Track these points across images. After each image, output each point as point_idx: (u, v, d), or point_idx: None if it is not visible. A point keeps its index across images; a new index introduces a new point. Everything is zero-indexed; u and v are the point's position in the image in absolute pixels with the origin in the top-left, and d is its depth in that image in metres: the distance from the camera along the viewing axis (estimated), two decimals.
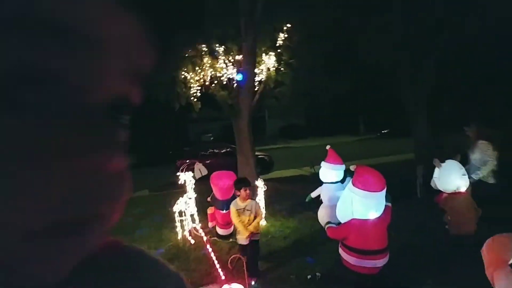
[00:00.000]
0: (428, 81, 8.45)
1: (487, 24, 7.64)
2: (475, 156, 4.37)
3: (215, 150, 12.39)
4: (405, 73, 8.64)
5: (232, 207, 3.51)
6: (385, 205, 3.10)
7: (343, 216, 3.19)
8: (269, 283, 3.43)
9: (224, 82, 8.74)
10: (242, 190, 3.47)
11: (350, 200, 3.08)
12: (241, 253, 3.51)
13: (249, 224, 3.47)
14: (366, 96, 21.51)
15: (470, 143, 4.54)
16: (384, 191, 3.02)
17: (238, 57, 8.35)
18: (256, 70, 8.54)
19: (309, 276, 3.47)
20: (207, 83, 8.62)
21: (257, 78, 8.77)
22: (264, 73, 8.70)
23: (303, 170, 10.93)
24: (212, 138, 23.28)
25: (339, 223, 3.34)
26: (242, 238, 3.49)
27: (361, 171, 3.11)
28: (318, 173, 4.66)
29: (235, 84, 8.62)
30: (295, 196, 6.77)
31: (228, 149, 12.05)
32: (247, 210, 3.48)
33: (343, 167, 4.44)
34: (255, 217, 3.54)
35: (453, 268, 3.30)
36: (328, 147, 4.61)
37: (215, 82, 8.67)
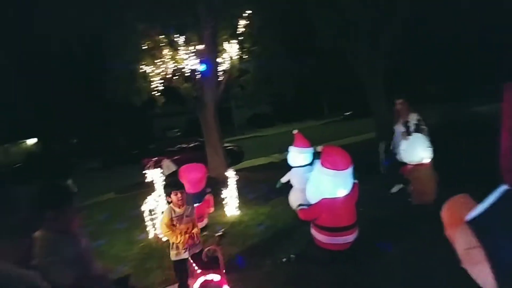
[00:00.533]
0: (382, 62, 8.79)
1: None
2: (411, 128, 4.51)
3: (183, 145, 12.09)
4: (361, 56, 8.92)
5: (165, 216, 2.87)
6: (353, 182, 3.21)
7: (313, 196, 3.25)
8: (244, 271, 3.44)
9: (187, 74, 8.48)
10: (172, 195, 2.86)
11: (320, 180, 3.14)
12: (178, 274, 2.98)
13: (191, 232, 2.90)
14: (328, 80, 22.13)
15: (398, 116, 4.75)
16: (350, 169, 3.11)
17: (200, 47, 8.12)
18: (219, 60, 8.39)
19: (284, 259, 3.52)
20: (169, 76, 8.31)
21: (220, 68, 8.62)
22: (227, 62, 8.56)
23: (273, 157, 11.05)
24: (179, 133, 22.71)
25: (310, 205, 3.42)
26: (180, 252, 2.88)
27: (328, 151, 3.18)
28: (287, 159, 4.71)
29: (199, 75, 8.41)
30: (266, 184, 6.82)
31: (196, 143, 11.80)
32: (187, 216, 2.91)
33: (311, 150, 4.52)
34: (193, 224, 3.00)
35: (418, 235, 3.52)
36: (295, 131, 4.66)
37: (178, 74, 8.39)
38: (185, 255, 2.87)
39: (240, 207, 5.54)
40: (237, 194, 5.53)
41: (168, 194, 2.92)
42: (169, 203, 3.00)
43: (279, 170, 5.31)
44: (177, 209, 2.88)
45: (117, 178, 12.09)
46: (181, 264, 2.93)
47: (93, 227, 5.86)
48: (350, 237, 3.15)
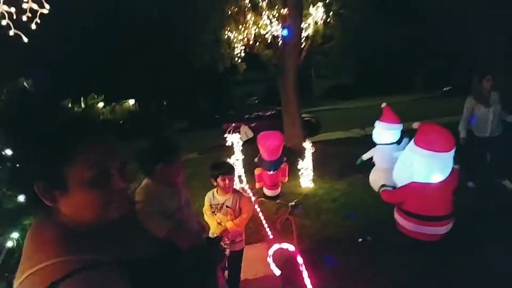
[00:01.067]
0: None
1: None
2: (495, 108, 4.15)
3: (260, 113, 12.30)
4: (479, 20, 7.34)
5: (206, 200, 2.53)
6: (452, 168, 2.76)
7: (401, 178, 2.92)
8: (317, 244, 3.39)
9: (269, 40, 8.34)
10: (219, 180, 2.40)
11: (411, 162, 2.78)
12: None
13: (223, 225, 2.41)
14: (426, 50, 19.29)
15: (486, 94, 4.19)
16: (452, 152, 2.66)
17: (283, 11, 7.81)
18: (302, 25, 7.98)
19: (360, 240, 3.34)
20: (251, 42, 8.30)
21: (303, 34, 8.22)
22: (311, 27, 8.08)
23: (352, 132, 10.41)
24: (257, 101, 23.16)
25: (394, 187, 3.10)
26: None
27: (426, 129, 2.76)
28: (369, 135, 4.33)
29: (280, 42, 8.19)
30: (344, 159, 6.50)
31: (273, 112, 11.88)
32: (227, 206, 2.43)
33: (400, 126, 4.04)
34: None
35: None
36: (383, 105, 4.19)
37: (259, 40, 8.31)
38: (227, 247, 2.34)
39: (314, 180, 5.42)
40: (312, 166, 5.40)
41: (214, 177, 2.42)
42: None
43: (359, 145, 4.96)
44: (217, 196, 2.47)
45: (201, 140, 13.06)
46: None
47: None
48: (442, 229, 2.77)
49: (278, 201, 4.75)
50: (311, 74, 22.95)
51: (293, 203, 4.57)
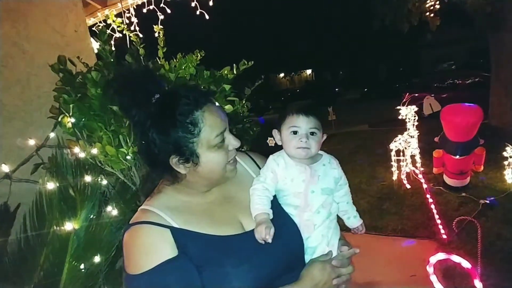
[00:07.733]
0: None
1: None
2: None
3: (456, 81, 9.83)
4: None
5: None
6: None
7: None
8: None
9: None
10: None
11: None
12: None
13: None
14: None
15: None
16: None
17: None
18: None
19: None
20: None
21: None
22: None
23: None
24: (454, 66, 18.53)
25: None
26: None
27: None
28: None
29: None
30: None
31: (476, 79, 9.23)
32: None
33: None
34: None
35: None
36: None
37: None
38: None
39: None
40: None
41: None
42: None
43: None
44: None
45: (374, 111, 12.05)
46: None
47: (340, 156, 6.29)
48: None
49: (463, 194, 3.69)
50: None
51: (487, 201, 3.41)
